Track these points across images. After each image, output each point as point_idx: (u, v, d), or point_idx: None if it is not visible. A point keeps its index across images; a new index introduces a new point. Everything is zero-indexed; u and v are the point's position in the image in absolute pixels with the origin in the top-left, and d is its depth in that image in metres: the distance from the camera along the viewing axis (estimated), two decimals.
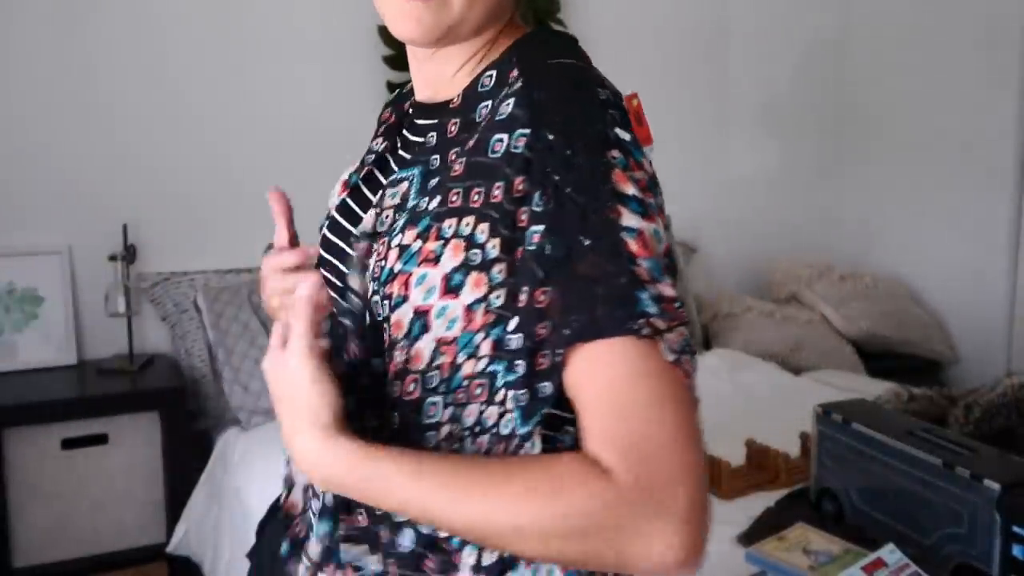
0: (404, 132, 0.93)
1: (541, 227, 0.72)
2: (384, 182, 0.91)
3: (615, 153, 0.74)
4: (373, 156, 0.96)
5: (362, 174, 0.96)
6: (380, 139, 0.99)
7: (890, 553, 1.53)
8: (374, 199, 0.90)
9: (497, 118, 0.78)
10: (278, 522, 1.11)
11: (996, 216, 3.30)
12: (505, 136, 0.77)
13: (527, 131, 0.75)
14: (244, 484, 2.29)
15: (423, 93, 0.92)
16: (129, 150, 2.77)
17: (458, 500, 0.70)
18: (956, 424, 2.16)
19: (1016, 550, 1.46)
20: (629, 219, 0.72)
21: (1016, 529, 1.47)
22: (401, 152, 0.92)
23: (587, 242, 0.71)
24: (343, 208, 0.95)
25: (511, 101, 0.78)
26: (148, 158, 2.78)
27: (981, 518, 1.51)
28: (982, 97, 3.32)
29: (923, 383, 2.58)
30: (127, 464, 2.55)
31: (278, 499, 1.32)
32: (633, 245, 0.71)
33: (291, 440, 0.76)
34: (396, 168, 0.91)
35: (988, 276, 3.34)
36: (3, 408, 2.39)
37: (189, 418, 2.61)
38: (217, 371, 2.61)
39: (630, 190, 0.73)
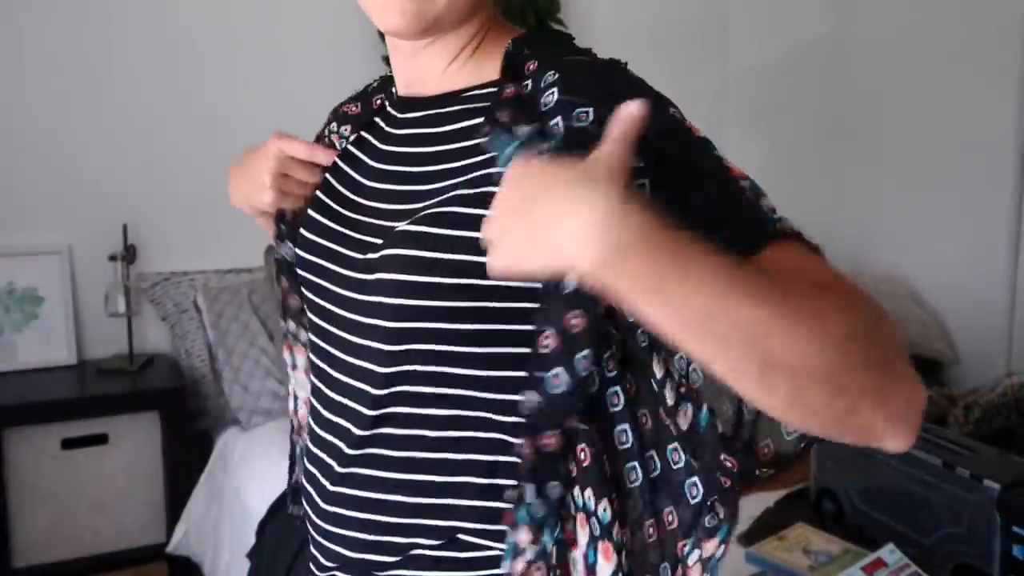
0: (386, 127, 0.91)
1: (660, 184, 0.69)
2: (359, 178, 0.90)
3: (673, 110, 0.76)
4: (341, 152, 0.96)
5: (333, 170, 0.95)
6: (343, 134, 0.99)
7: (890, 553, 1.53)
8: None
9: (543, 109, 0.76)
10: (278, 522, 1.11)
11: (996, 216, 3.30)
12: (560, 118, 0.74)
13: (588, 108, 0.72)
14: (244, 484, 2.29)
15: (413, 88, 0.90)
16: (129, 150, 2.77)
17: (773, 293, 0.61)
18: (956, 424, 2.16)
19: (1016, 550, 1.47)
20: (715, 154, 0.74)
21: (1016, 529, 1.47)
22: (386, 145, 0.89)
23: (707, 184, 0.71)
24: (332, 208, 0.92)
25: (554, 90, 0.76)
26: (148, 158, 2.78)
27: (981, 518, 1.52)
28: (982, 97, 3.31)
29: (923, 383, 2.58)
30: (127, 464, 2.55)
31: (278, 499, 1.31)
32: (736, 173, 0.73)
33: (568, 206, 0.59)
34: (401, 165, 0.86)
35: (988, 276, 3.33)
36: (3, 408, 2.39)
37: (189, 418, 2.61)
38: (217, 371, 2.61)
39: (701, 134, 0.75)
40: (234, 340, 2.59)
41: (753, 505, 1.90)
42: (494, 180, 0.72)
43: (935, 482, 1.60)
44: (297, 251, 0.93)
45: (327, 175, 0.95)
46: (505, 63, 0.83)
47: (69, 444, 2.48)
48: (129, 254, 2.68)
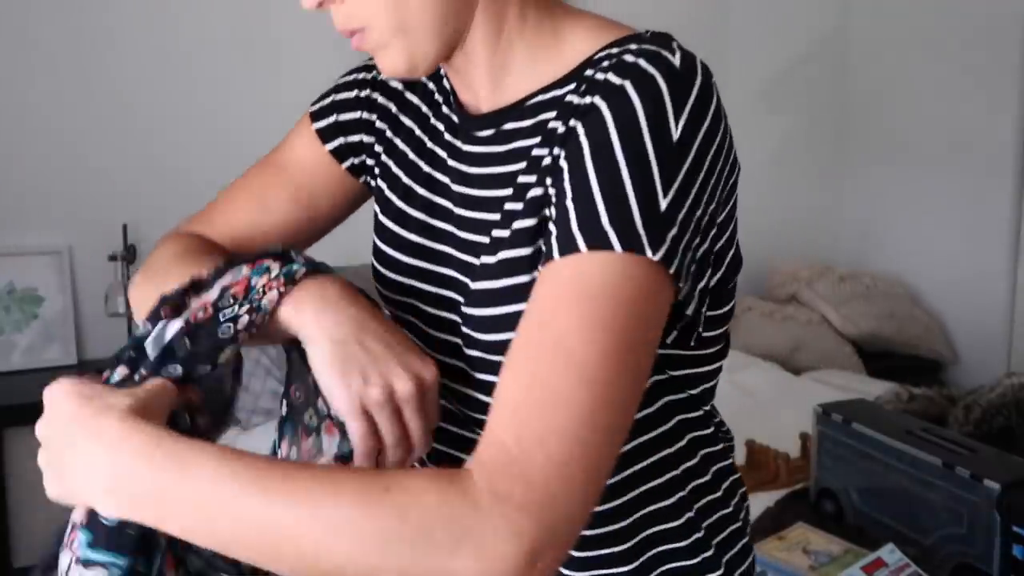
0: (461, 144, 0.82)
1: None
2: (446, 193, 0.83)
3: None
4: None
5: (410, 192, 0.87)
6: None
7: (890, 553, 1.53)
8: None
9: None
10: None
11: (996, 216, 3.30)
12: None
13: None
14: None
15: (475, 101, 0.81)
16: (129, 150, 2.77)
17: (270, 489, 0.60)
18: (956, 424, 2.16)
19: (1016, 550, 1.47)
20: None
21: (1016, 529, 1.47)
22: (455, 161, 0.82)
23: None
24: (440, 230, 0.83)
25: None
26: (148, 158, 2.78)
27: (981, 518, 1.52)
28: (982, 97, 3.32)
29: (923, 383, 2.58)
30: None
31: None
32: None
33: (72, 447, 0.64)
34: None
35: (988, 276, 3.34)
36: (3, 408, 2.39)
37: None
38: None
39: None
40: None
41: (753, 505, 1.89)
42: (548, 200, 0.71)
43: (935, 482, 1.60)
44: (382, 270, 0.89)
45: (402, 176, 0.87)
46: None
47: None
48: (129, 254, 2.68)
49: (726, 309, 0.82)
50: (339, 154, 0.92)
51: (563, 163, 0.69)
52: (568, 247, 0.65)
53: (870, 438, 1.73)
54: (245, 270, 0.75)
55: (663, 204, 0.65)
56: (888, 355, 3.35)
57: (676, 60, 0.69)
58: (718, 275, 0.79)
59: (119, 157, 2.75)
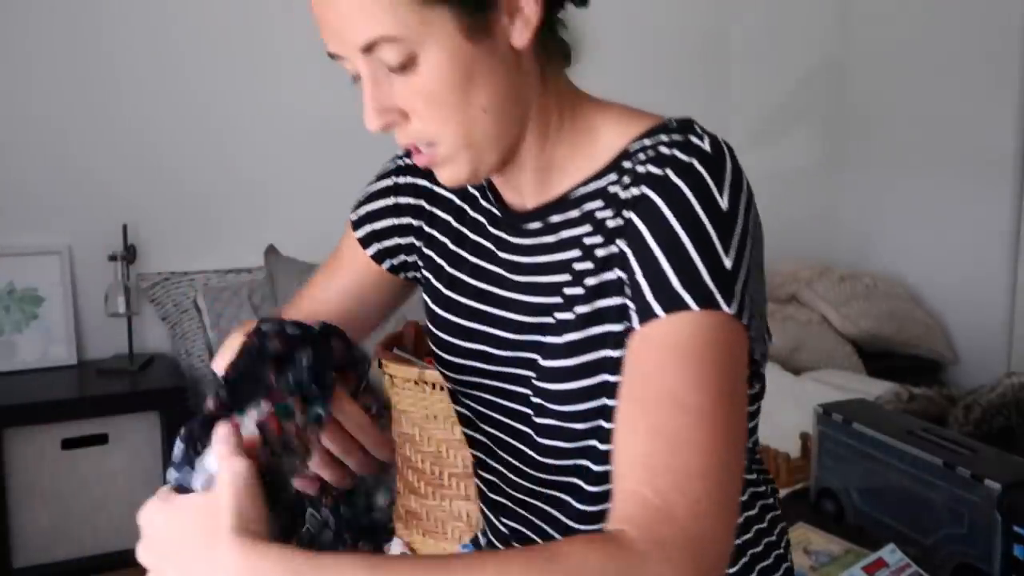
0: (508, 237, 0.90)
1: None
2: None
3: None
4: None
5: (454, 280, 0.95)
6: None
7: (891, 553, 1.53)
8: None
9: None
10: None
11: (996, 216, 3.30)
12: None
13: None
14: None
15: (520, 198, 0.89)
16: (130, 150, 2.77)
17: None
18: (956, 424, 2.16)
19: (1017, 550, 1.46)
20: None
21: (1017, 529, 1.46)
22: (504, 252, 0.90)
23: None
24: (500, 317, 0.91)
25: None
26: (148, 158, 2.78)
27: (982, 518, 1.51)
28: (982, 97, 3.32)
29: (923, 383, 2.58)
30: (127, 464, 2.55)
31: None
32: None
33: (200, 562, 0.65)
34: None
35: (988, 276, 3.34)
36: (3, 408, 2.39)
37: (189, 418, 2.60)
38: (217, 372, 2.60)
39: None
40: None
41: None
42: (608, 291, 0.80)
43: (936, 482, 1.60)
44: (442, 354, 0.96)
45: (446, 266, 0.95)
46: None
47: (69, 444, 2.48)
48: (129, 254, 2.68)
49: (763, 351, 0.86)
50: (378, 258, 1.00)
51: (627, 250, 0.77)
52: (648, 315, 0.73)
53: (871, 438, 1.73)
54: (265, 407, 0.76)
55: (727, 263, 0.74)
56: (888, 355, 3.35)
57: (706, 145, 0.77)
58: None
59: (119, 157, 2.75)
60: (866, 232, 3.80)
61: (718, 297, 0.72)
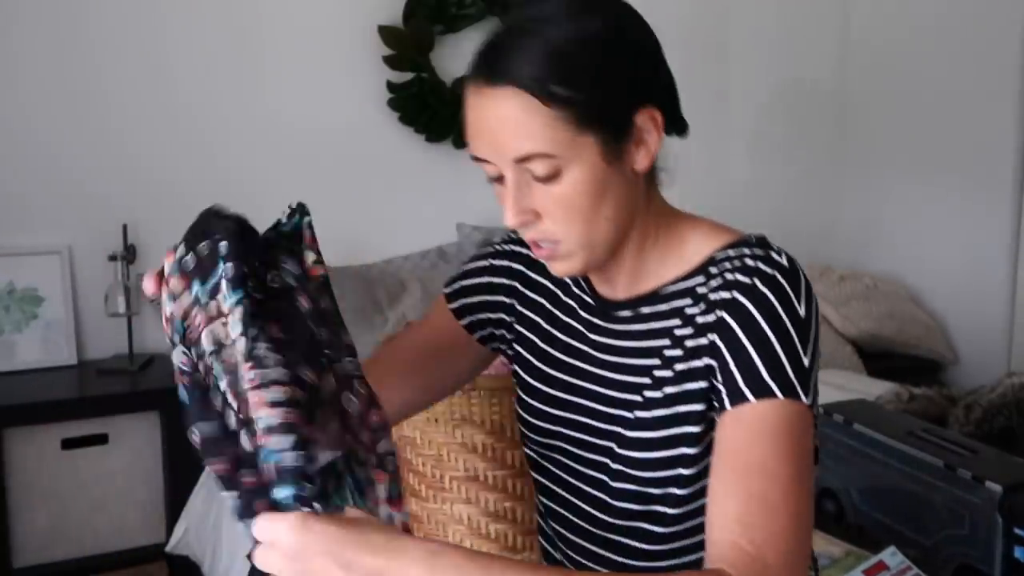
0: (599, 321, 1.05)
1: None
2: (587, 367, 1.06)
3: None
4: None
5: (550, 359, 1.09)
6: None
7: (891, 556, 1.53)
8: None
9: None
10: None
11: (996, 216, 3.30)
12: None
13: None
14: None
15: (613, 290, 1.04)
16: (129, 150, 2.76)
17: None
18: (956, 424, 2.16)
19: (1018, 552, 1.46)
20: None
21: (1017, 531, 1.46)
22: (595, 335, 1.05)
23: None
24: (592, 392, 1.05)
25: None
26: (148, 158, 2.78)
27: (982, 520, 1.51)
28: (982, 98, 3.31)
29: (923, 383, 2.58)
30: (127, 464, 2.55)
31: None
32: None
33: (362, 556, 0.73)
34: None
35: (988, 276, 3.33)
36: (3, 408, 2.39)
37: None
38: None
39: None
40: None
41: None
42: (694, 375, 0.94)
43: (936, 483, 1.60)
44: (529, 418, 1.10)
45: (537, 341, 1.11)
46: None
47: (69, 444, 2.48)
48: (129, 254, 2.68)
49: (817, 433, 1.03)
50: (469, 327, 1.15)
51: (719, 343, 0.92)
52: (739, 399, 0.89)
53: (871, 439, 1.73)
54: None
55: (805, 361, 0.90)
56: (888, 355, 3.34)
57: (784, 260, 0.95)
58: None
59: (119, 158, 2.75)
60: (866, 232, 3.80)
61: (799, 390, 0.88)
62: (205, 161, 2.83)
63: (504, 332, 1.15)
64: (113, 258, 2.66)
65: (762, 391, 0.88)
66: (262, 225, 0.91)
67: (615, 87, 0.92)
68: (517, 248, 1.15)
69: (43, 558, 2.47)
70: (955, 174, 3.43)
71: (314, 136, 2.94)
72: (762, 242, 0.97)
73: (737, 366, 0.90)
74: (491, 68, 0.91)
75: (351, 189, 3.00)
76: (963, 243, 3.42)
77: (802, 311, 0.91)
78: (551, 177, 0.91)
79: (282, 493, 0.72)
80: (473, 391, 1.38)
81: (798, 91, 3.78)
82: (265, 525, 0.72)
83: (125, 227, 2.68)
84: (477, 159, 0.95)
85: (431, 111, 3.05)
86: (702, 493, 0.94)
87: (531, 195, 0.93)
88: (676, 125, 1.00)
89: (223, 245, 0.76)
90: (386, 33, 2.97)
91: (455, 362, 1.15)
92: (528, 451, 1.13)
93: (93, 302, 2.71)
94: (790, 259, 0.95)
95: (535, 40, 0.90)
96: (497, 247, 1.16)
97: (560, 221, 0.93)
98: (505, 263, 1.14)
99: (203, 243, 0.78)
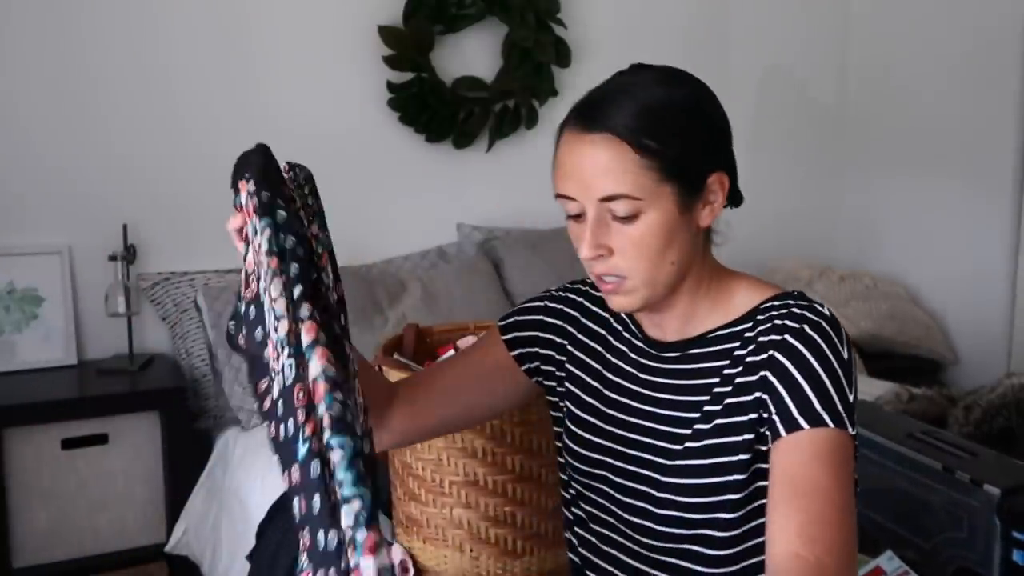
0: (649, 362, 1.15)
1: None
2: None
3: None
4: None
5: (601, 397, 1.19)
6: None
7: (888, 560, 1.53)
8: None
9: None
10: (278, 525, 1.13)
11: (996, 217, 3.29)
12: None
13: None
14: (244, 484, 2.29)
15: (662, 332, 1.15)
16: (129, 150, 2.76)
17: None
18: (956, 425, 2.16)
19: (1016, 555, 1.46)
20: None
21: (1016, 534, 1.46)
22: (644, 374, 1.15)
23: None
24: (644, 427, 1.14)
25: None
26: (148, 158, 2.78)
27: (981, 522, 1.51)
28: (982, 98, 3.31)
29: (923, 383, 2.58)
30: (127, 464, 2.55)
31: (278, 501, 1.33)
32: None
33: None
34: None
35: (988, 276, 3.33)
36: (3, 408, 2.39)
37: (189, 418, 2.61)
38: (217, 371, 2.61)
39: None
40: None
41: None
42: (743, 409, 1.04)
43: (935, 486, 1.60)
44: (576, 448, 1.18)
45: (587, 379, 1.20)
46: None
47: (69, 444, 2.48)
48: (129, 254, 2.68)
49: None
50: (518, 359, 1.24)
51: (772, 379, 1.02)
52: (794, 427, 0.99)
53: (870, 441, 1.73)
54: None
55: (850, 398, 1.01)
56: (888, 355, 3.34)
57: (826, 311, 1.06)
58: None
59: (119, 157, 2.75)
60: (866, 232, 3.80)
61: (846, 421, 0.99)
62: (205, 161, 2.83)
63: (552, 368, 1.24)
64: (113, 258, 2.66)
65: (815, 420, 0.98)
66: None
67: (695, 148, 1.05)
68: (572, 295, 1.25)
69: (43, 558, 2.47)
70: (955, 174, 3.43)
71: (314, 136, 2.94)
72: (803, 296, 1.09)
73: (791, 398, 1.00)
74: (590, 118, 1.03)
75: (351, 189, 3.01)
76: (963, 243, 3.42)
77: (845, 354, 1.03)
78: (630, 218, 1.03)
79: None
80: None
81: (798, 91, 3.78)
82: None
83: (125, 227, 2.68)
84: (561, 196, 1.06)
85: (431, 111, 3.05)
86: (751, 515, 1.05)
87: (608, 233, 1.04)
88: (733, 197, 1.14)
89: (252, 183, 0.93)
90: (386, 33, 2.97)
91: (497, 387, 1.24)
92: (573, 484, 1.21)
93: (93, 302, 2.71)
94: (830, 310, 1.07)
95: (631, 99, 1.03)
96: (554, 292, 1.27)
97: (630, 258, 1.04)
98: (560, 306, 1.25)
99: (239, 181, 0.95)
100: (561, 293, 1.27)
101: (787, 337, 1.03)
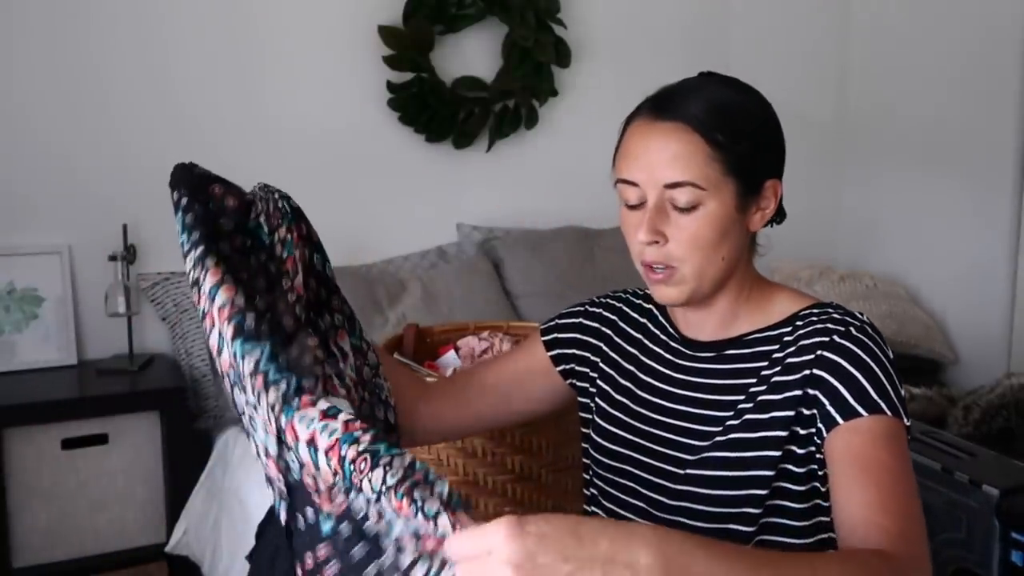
0: (683, 361, 1.17)
1: None
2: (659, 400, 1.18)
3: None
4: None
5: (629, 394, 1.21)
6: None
7: None
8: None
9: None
10: (278, 525, 1.13)
11: (996, 217, 3.29)
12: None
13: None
14: (243, 484, 2.29)
15: (701, 332, 1.17)
16: (129, 150, 2.76)
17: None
18: (955, 425, 2.16)
19: (1015, 556, 1.47)
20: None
21: (1015, 535, 1.47)
22: (678, 373, 1.17)
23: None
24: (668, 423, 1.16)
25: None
26: (148, 158, 2.78)
27: (980, 523, 1.52)
28: (982, 97, 3.31)
29: (923, 383, 2.58)
30: (127, 464, 2.55)
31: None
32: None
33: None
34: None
35: (988, 276, 3.33)
36: (3, 408, 2.39)
37: (189, 418, 2.61)
38: (217, 371, 2.60)
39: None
40: None
41: None
42: (780, 406, 1.06)
43: (934, 486, 1.60)
44: (603, 442, 1.20)
45: (620, 379, 1.22)
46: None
47: (69, 444, 2.48)
48: (129, 254, 2.68)
49: None
50: (556, 360, 1.28)
51: (822, 373, 1.04)
52: (851, 415, 1.01)
53: None
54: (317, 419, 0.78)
55: (901, 390, 1.04)
56: None
57: (864, 318, 1.09)
58: None
59: (119, 157, 2.75)
60: (866, 232, 3.80)
61: (901, 411, 1.01)
62: (205, 161, 2.80)
63: (586, 369, 1.26)
64: (113, 258, 2.66)
65: (873, 408, 1.00)
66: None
67: (759, 151, 1.09)
68: (614, 301, 1.29)
69: (43, 558, 2.47)
70: (955, 174, 3.43)
71: (314, 136, 2.94)
72: (841, 306, 1.13)
73: (847, 389, 1.02)
74: (663, 108, 1.07)
75: (351, 189, 3.01)
76: (963, 243, 3.42)
77: (889, 354, 1.06)
78: (689, 209, 1.05)
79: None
80: None
81: (798, 91, 3.78)
82: (472, 539, 0.67)
83: (125, 227, 2.68)
84: (623, 182, 1.08)
85: (431, 111, 3.06)
86: (773, 511, 1.07)
87: (666, 221, 1.06)
88: (778, 211, 1.16)
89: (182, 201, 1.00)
90: (386, 33, 2.97)
91: (531, 387, 1.27)
92: (596, 481, 1.22)
93: (93, 302, 2.71)
94: (868, 319, 1.10)
95: (704, 95, 1.08)
96: (596, 298, 1.31)
97: (685, 247, 1.07)
98: (599, 311, 1.28)
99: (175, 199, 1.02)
100: (603, 299, 1.30)
101: (835, 337, 1.06)
